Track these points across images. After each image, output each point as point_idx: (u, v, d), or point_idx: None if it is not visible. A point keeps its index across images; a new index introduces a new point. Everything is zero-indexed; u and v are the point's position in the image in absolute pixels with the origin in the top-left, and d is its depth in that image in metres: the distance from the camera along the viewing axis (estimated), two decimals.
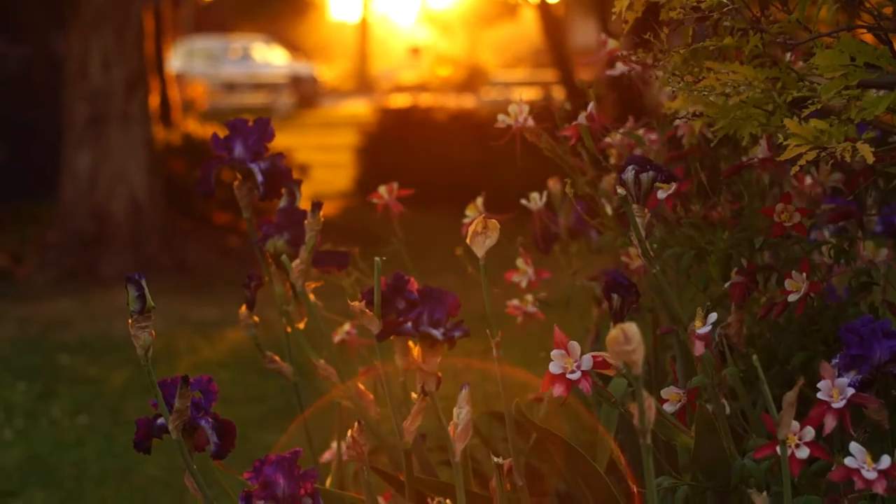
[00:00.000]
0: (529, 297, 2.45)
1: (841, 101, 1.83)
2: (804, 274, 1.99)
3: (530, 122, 2.39)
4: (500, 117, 2.40)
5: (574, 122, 2.35)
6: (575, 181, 2.41)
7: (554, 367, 1.67)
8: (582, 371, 1.68)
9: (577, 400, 2.52)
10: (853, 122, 1.80)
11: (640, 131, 2.43)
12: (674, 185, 2.10)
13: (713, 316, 1.84)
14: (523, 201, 2.48)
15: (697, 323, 1.84)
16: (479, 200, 2.36)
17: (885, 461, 1.55)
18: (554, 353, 1.68)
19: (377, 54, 45.73)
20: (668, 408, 1.97)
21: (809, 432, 1.60)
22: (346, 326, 2.62)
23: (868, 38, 2.04)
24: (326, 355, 2.28)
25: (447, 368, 2.39)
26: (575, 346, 1.68)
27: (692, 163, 2.34)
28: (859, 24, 2.02)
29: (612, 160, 2.42)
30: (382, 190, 2.53)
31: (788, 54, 2.09)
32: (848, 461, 1.55)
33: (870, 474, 1.54)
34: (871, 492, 1.55)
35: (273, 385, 5.54)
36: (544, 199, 2.52)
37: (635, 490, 1.96)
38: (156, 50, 11.16)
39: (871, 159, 1.72)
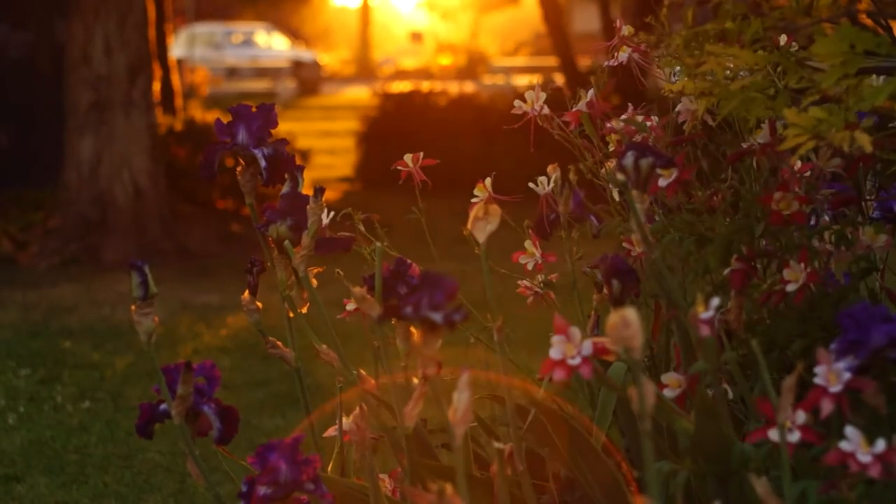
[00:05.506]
0: (540, 277, 2.46)
1: (840, 90, 1.83)
2: (802, 264, 2.00)
3: (546, 110, 2.40)
4: (517, 103, 2.42)
5: (574, 109, 2.36)
6: (581, 165, 2.42)
7: (554, 353, 1.68)
8: (582, 356, 1.68)
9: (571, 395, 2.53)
10: (852, 110, 1.80)
11: (640, 117, 2.43)
12: (675, 172, 2.10)
13: (715, 300, 1.85)
14: (531, 185, 2.48)
15: (699, 307, 1.84)
16: (489, 181, 2.37)
17: (881, 445, 1.56)
18: (554, 338, 1.68)
19: (378, 40, 45.67)
20: (668, 393, 1.97)
21: (801, 416, 1.60)
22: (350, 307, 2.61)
23: (868, 22, 2.04)
24: (329, 341, 2.29)
25: (448, 355, 2.41)
26: (575, 331, 1.69)
27: (693, 149, 2.34)
28: (859, 10, 2.03)
29: (612, 146, 2.42)
30: (408, 158, 2.53)
31: (783, 37, 2.09)
32: (843, 445, 1.56)
33: (865, 458, 1.55)
34: (869, 476, 1.56)
35: (275, 370, 5.55)
36: (552, 183, 2.53)
37: (633, 474, 1.98)
38: (158, 36, 11.15)
39: (868, 148, 1.72)
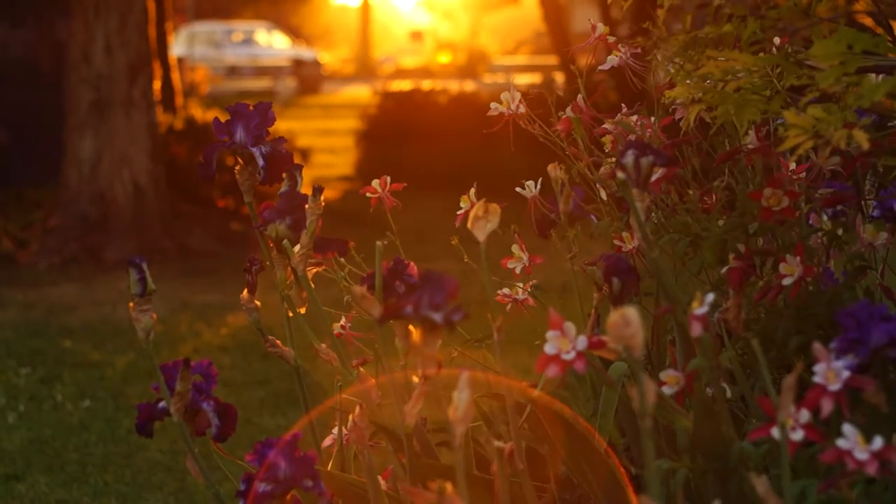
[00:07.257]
0: (520, 285, 2.45)
1: (839, 88, 1.83)
2: (798, 258, 2.00)
3: (522, 110, 2.40)
4: (493, 105, 2.42)
5: (564, 116, 2.37)
6: (570, 168, 2.42)
7: (549, 348, 1.67)
8: (577, 351, 1.67)
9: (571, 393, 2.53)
10: (851, 108, 1.81)
11: (634, 118, 2.42)
12: (661, 169, 2.10)
13: (710, 297, 1.85)
14: (518, 189, 2.48)
15: (695, 304, 1.84)
16: (472, 191, 2.36)
17: (878, 442, 1.55)
18: (549, 334, 1.67)
19: (379, 39, 45.67)
20: (666, 390, 1.97)
21: (804, 415, 1.60)
22: (341, 322, 2.60)
23: (867, 21, 2.04)
24: (328, 340, 2.30)
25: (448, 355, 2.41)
26: (570, 326, 1.68)
27: (687, 148, 2.34)
28: (858, 10, 2.03)
29: (608, 148, 2.42)
30: (375, 183, 2.51)
31: (777, 39, 2.09)
32: (840, 442, 1.56)
33: (862, 455, 1.55)
34: (869, 475, 1.56)
35: (275, 369, 5.55)
36: (539, 186, 2.52)
37: (632, 472, 1.98)
38: (158, 35, 11.15)
39: (866, 146, 1.72)
